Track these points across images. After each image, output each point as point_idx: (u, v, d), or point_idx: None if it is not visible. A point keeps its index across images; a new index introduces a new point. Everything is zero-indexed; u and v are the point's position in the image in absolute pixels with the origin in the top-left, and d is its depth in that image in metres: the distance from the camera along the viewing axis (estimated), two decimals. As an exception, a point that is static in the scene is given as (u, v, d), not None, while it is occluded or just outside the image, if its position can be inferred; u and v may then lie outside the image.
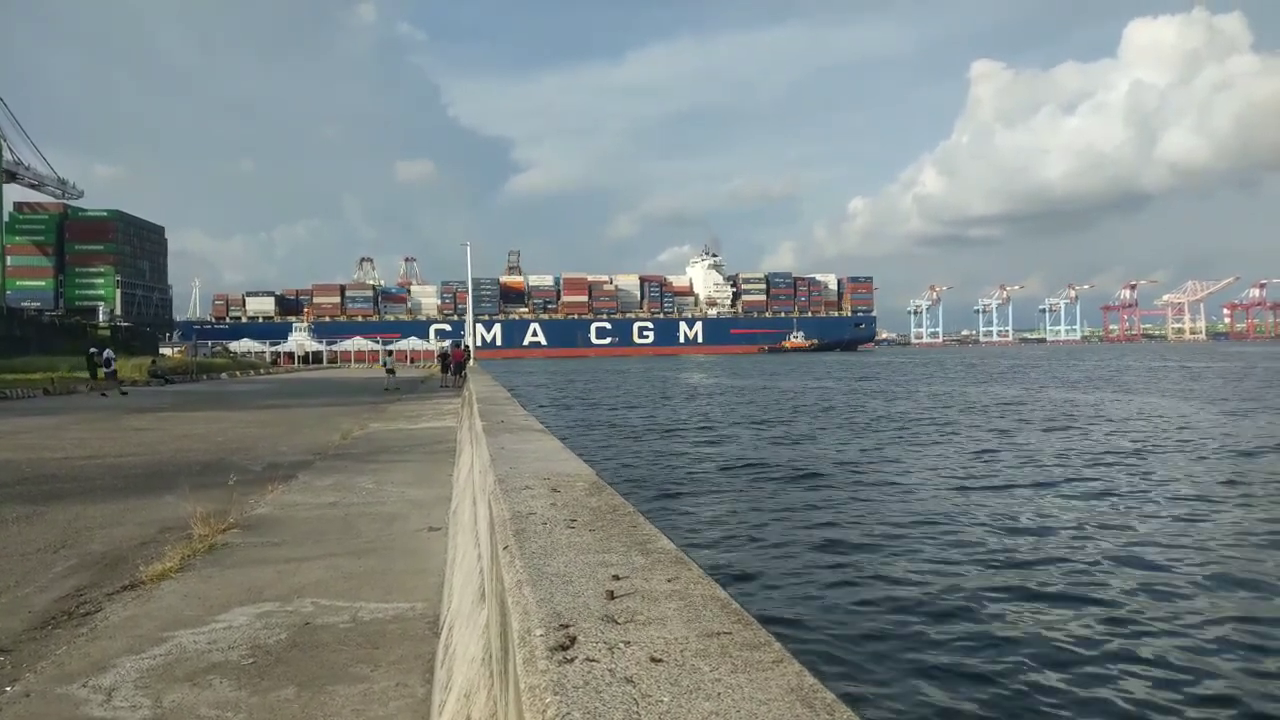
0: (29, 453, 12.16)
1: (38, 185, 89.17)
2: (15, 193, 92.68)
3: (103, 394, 26.56)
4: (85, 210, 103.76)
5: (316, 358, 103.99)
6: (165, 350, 79.22)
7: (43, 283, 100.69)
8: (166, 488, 8.74)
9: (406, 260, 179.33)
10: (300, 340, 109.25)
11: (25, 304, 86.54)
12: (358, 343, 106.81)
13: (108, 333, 75.17)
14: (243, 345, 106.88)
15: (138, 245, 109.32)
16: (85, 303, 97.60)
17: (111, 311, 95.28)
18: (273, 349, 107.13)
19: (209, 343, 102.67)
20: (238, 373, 58.11)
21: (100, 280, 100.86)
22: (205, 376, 48.75)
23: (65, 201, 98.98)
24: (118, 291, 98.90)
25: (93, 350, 31.31)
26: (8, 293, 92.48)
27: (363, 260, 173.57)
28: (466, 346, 39.41)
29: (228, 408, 22.81)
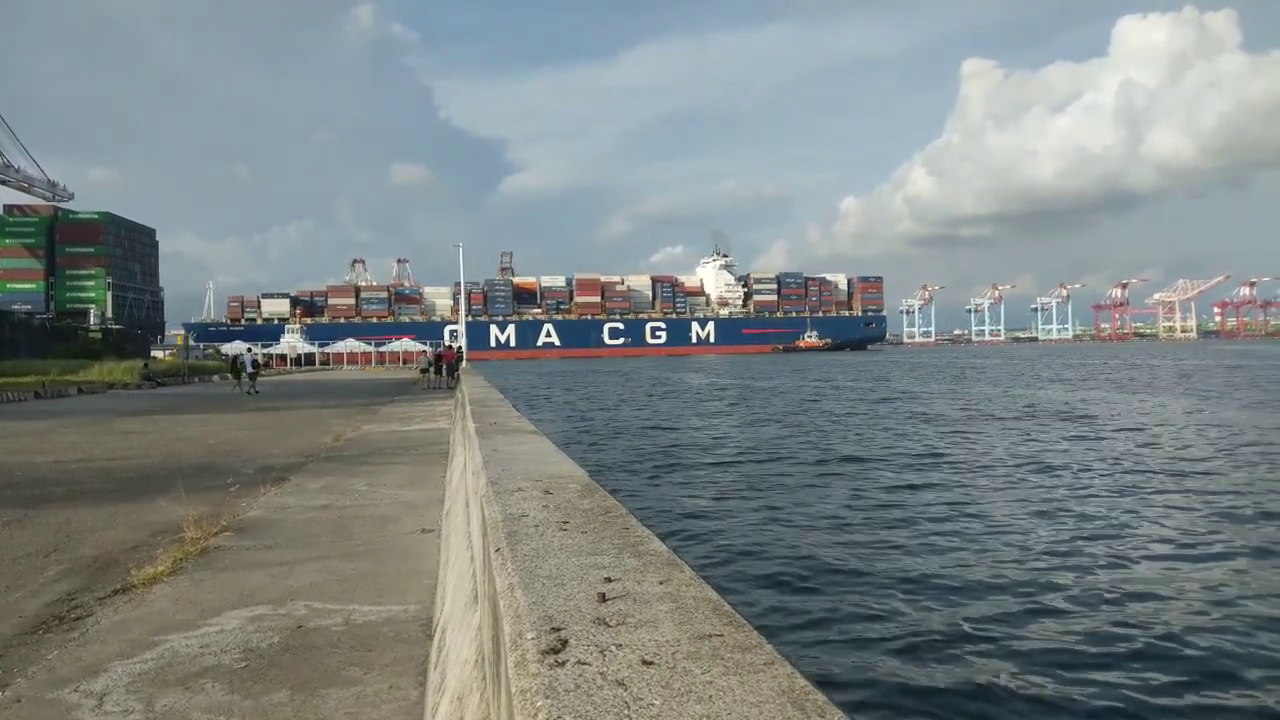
0: (19, 456, 12.10)
1: (27, 188, 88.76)
2: (5, 195, 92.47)
3: (248, 392, 30.71)
4: (75, 213, 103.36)
5: (309, 360, 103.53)
6: (157, 353, 78.83)
7: (33, 285, 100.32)
8: (158, 491, 8.70)
9: (400, 262, 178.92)
10: (292, 342, 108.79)
11: (15, 307, 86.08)
12: (350, 345, 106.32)
13: (99, 335, 74.86)
14: (235, 347, 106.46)
15: (128, 247, 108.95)
16: (76, 305, 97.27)
17: (103, 314, 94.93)
18: (265, 351, 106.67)
19: (201, 345, 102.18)
20: (230, 375, 57.87)
21: (91, 283, 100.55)
22: (197, 379, 48.59)
23: (55, 204, 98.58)
24: (109, 294, 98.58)
25: (235, 356, 39.22)
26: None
27: (355, 262, 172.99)
28: (459, 348, 39.34)
29: (219, 410, 22.73)
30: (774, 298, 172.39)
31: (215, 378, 52.31)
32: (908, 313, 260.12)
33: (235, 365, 36.75)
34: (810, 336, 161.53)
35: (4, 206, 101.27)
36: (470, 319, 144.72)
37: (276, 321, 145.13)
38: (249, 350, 41.09)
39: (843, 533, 10.82)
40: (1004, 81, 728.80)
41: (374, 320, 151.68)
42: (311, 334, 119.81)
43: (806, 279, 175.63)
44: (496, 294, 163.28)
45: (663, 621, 1.54)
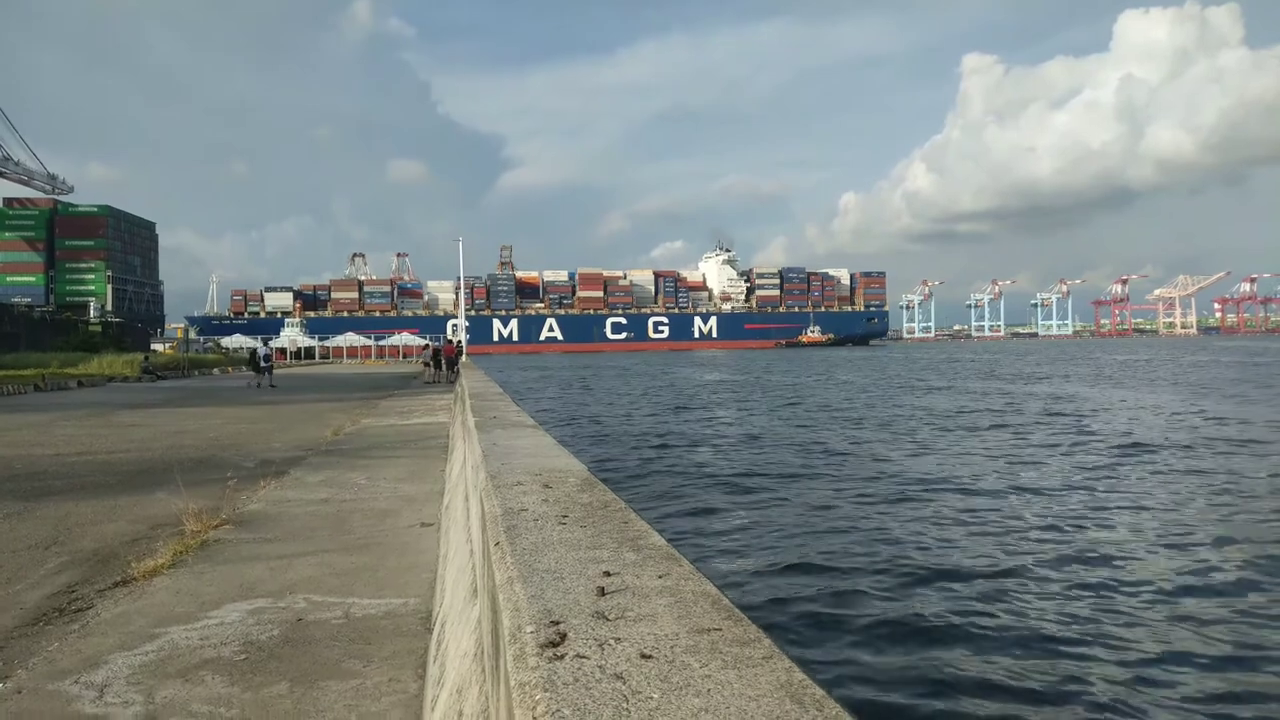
0: (19, 449, 12.10)
1: (26, 180, 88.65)
2: (4, 188, 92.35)
3: (258, 385, 32.00)
4: (75, 206, 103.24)
5: (309, 353, 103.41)
6: (157, 346, 78.80)
7: (33, 279, 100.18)
8: (158, 484, 8.70)
9: (399, 256, 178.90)
10: (292, 336, 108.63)
11: (15, 300, 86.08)
12: (350, 339, 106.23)
13: (99, 328, 74.84)
14: (235, 341, 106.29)
15: (128, 241, 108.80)
16: (76, 299, 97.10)
17: (102, 307, 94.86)
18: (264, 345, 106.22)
19: (202, 338, 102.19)
20: (230, 369, 57.87)
21: (91, 276, 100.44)
22: (197, 372, 48.55)
23: (55, 197, 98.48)
24: (109, 287, 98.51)
25: (253, 349, 41.60)
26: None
27: (354, 256, 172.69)
28: (459, 342, 39.38)
29: (219, 404, 22.73)
30: (776, 293, 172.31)
31: (215, 370, 52.30)
32: (907, 308, 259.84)
33: (253, 358, 37.83)
34: (813, 332, 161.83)
35: (3, 199, 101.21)
36: (473, 313, 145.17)
37: (279, 315, 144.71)
38: (264, 342, 41.71)
39: (841, 526, 10.83)
40: (1004, 77, 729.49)
41: (377, 314, 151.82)
42: (312, 327, 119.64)
43: (809, 274, 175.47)
44: (499, 289, 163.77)
45: (661, 615, 1.54)
